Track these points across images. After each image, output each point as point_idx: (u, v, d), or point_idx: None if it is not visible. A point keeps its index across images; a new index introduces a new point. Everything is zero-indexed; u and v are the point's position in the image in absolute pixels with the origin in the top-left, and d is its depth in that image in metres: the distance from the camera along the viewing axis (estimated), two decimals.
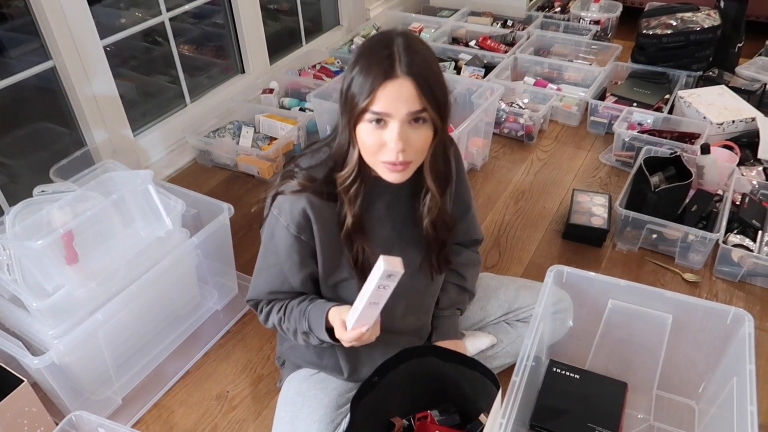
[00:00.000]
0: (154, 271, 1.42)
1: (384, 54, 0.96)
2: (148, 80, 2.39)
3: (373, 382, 1.11)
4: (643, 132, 2.23)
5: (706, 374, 1.38)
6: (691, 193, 1.89)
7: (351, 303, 1.10)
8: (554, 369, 1.46)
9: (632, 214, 1.80)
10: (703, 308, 1.30)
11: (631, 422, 1.38)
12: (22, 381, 1.26)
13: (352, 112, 0.99)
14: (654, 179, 1.87)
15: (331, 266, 1.15)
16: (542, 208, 2.07)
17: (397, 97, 0.95)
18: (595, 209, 1.95)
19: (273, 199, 1.12)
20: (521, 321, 1.45)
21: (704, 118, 2.24)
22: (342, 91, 1.02)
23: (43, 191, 1.41)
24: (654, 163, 1.92)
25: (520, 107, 2.45)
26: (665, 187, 1.81)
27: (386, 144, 0.99)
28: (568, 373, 1.45)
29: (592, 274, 1.38)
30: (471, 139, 2.20)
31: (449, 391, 1.25)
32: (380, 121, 0.98)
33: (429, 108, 0.97)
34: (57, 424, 1.25)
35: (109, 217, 1.40)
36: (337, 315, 1.09)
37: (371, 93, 0.95)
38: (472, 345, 1.42)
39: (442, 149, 1.12)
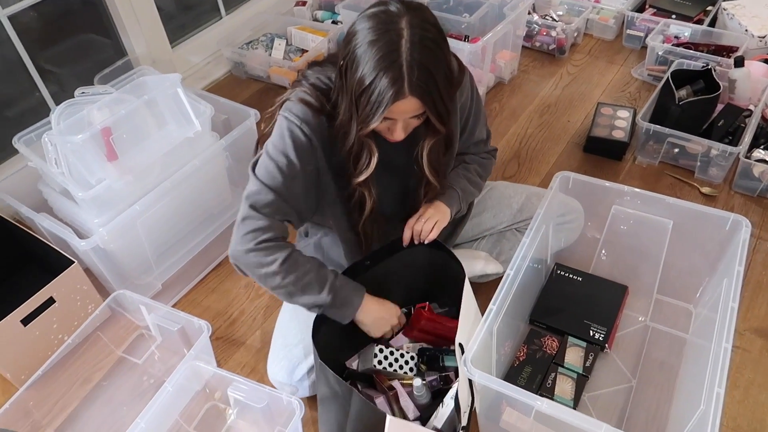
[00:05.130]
0: (186, 169, 1.55)
1: (394, 68, 0.96)
2: None
3: (366, 266, 1.19)
4: (678, 45, 2.16)
5: (704, 279, 1.42)
6: (720, 107, 1.86)
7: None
8: (558, 272, 1.53)
9: (654, 127, 1.79)
10: (704, 214, 1.33)
11: (628, 322, 1.45)
12: (73, 262, 1.43)
13: (365, 120, 1.02)
14: (681, 92, 1.84)
15: (328, 187, 1.18)
16: (566, 122, 2.08)
17: (404, 111, 1.02)
18: (617, 122, 1.94)
19: (280, 107, 1.15)
20: None
21: (746, 30, 2.15)
22: (355, 82, 1.00)
23: (83, 93, 1.52)
24: (683, 77, 1.88)
25: (554, 20, 2.40)
26: (689, 100, 1.79)
27: (391, 132, 1.09)
28: (571, 276, 1.52)
29: (597, 180, 1.41)
30: (499, 51, 2.19)
31: (447, 283, 1.30)
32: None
33: (428, 111, 1.03)
34: None
35: (143, 117, 1.51)
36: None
37: (384, 111, 0.99)
38: (481, 266, 1.48)
39: (443, 142, 1.17)
